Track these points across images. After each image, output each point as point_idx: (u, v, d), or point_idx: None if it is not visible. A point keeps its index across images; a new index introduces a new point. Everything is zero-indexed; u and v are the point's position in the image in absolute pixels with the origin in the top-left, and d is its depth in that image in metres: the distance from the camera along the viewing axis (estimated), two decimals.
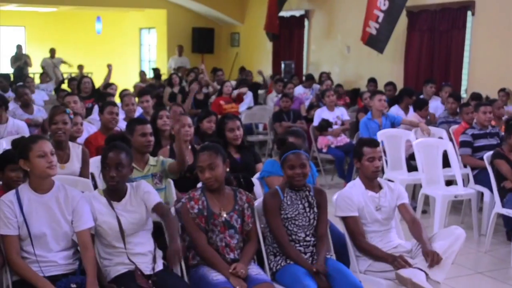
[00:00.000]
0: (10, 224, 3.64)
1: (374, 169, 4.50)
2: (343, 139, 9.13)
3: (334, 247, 4.50)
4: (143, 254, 3.93)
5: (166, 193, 4.92)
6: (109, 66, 11.43)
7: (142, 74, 15.50)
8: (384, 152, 7.62)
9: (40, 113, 8.37)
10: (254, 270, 3.97)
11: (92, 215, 3.86)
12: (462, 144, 7.18)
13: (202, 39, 18.46)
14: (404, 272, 4.08)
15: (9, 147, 5.79)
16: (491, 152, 6.43)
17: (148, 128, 5.00)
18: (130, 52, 21.40)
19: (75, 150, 5.24)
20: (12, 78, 15.08)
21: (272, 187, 4.67)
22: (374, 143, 4.58)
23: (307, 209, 4.23)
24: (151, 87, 11.58)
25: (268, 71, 16.23)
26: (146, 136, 4.91)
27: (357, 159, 4.58)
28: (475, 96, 9.19)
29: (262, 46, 16.81)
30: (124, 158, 3.95)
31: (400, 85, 11.43)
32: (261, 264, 4.19)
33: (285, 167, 4.25)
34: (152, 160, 4.92)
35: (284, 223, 4.18)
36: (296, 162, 4.21)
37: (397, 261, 4.18)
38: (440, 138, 7.79)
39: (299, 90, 12.27)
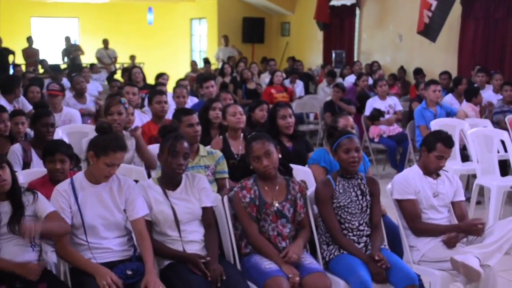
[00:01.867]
0: (63, 214, 3.71)
1: (439, 167, 4.46)
2: (395, 129, 9.04)
3: (387, 238, 4.47)
4: (195, 242, 3.96)
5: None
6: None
7: (193, 64, 15.63)
8: None
9: (92, 103, 8.51)
10: (307, 259, 3.97)
11: (147, 203, 3.91)
12: None
13: (253, 29, 18.48)
14: (458, 257, 4.05)
15: (64, 136, 5.95)
16: None
17: (195, 118, 5.01)
18: (181, 43, 21.57)
19: (129, 139, 5.30)
20: (64, 68, 15.36)
21: (314, 175, 4.66)
22: (450, 143, 4.47)
23: (360, 197, 4.21)
24: (201, 76, 11.63)
25: (319, 60, 16.18)
26: (193, 126, 4.93)
27: (427, 149, 4.48)
28: None
29: (313, 35, 16.74)
30: (188, 148, 4.05)
31: (454, 75, 11.24)
32: (313, 254, 4.19)
33: (340, 152, 4.22)
34: (203, 150, 4.93)
35: (337, 212, 4.16)
36: (351, 146, 4.19)
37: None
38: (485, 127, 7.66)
39: (351, 79, 12.16)
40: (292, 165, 4.66)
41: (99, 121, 4.93)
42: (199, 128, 4.96)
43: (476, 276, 3.97)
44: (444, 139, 4.46)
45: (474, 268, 3.96)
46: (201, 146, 4.97)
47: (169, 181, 4.03)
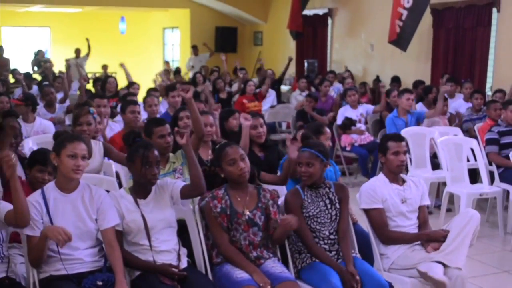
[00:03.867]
0: (35, 226, 3.67)
1: (399, 163, 4.51)
2: (367, 137, 9.10)
3: (358, 245, 4.50)
4: (168, 251, 3.95)
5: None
6: (122, 65, 11.43)
7: (165, 73, 15.57)
8: (408, 150, 7.59)
9: (61, 110, 8.47)
10: (278, 268, 3.97)
11: (119, 213, 3.89)
12: (489, 142, 7.14)
13: (225, 38, 18.51)
14: (422, 267, 4.11)
15: (35, 146, 5.90)
16: None
17: (167, 128, 4.96)
18: (154, 52, 21.53)
19: (96, 146, 5.31)
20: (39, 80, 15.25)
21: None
22: (399, 138, 4.62)
23: (328, 206, 4.24)
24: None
25: (291, 69, 16.22)
26: (164, 137, 4.89)
27: (382, 153, 4.58)
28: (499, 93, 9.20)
29: (285, 45, 16.80)
30: (159, 156, 4.06)
31: (427, 83, 11.34)
32: (285, 263, 4.19)
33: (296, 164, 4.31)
34: (172, 157, 4.95)
35: (306, 221, 4.18)
36: (303, 160, 4.24)
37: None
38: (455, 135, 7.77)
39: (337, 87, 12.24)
40: (263, 173, 4.69)
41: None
42: (170, 138, 4.93)
43: (442, 286, 4.03)
44: (391, 137, 4.63)
45: (438, 280, 4.01)
46: (170, 153, 4.98)
47: (141, 190, 4.02)
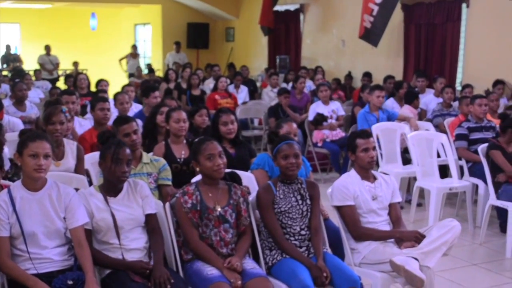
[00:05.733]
0: (1, 226, 3.64)
1: (369, 159, 4.53)
2: (338, 133, 9.13)
3: (329, 241, 4.53)
4: (138, 250, 3.93)
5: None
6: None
7: (138, 70, 15.54)
8: (379, 145, 7.66)
9: (32, 110, 8.37)
10: (249, 264, 3.98)
11: (88, 212, 3.87)
12: (458, 137, 7.21)
13: (197, 34, 18.45)
14: (398, 260, 4.11)
15: None
16: (485, 144, 6.44)
17: (132, 126, 4.91)
18: (125, 48, 21.31)
19: (70, 146, 5.25)
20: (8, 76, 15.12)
21: (257, 180, 4.71)
22: (366, 134, 4.62)
23: (300, 202, 4.25)
24: (146, 83, 11.56)
25: (263, 65, 16.25)
26: (129, 136, 4.83)
27: (351, 151, 4.60)
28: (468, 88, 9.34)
29: (257, 40, 16.81)
30: (131, 155, 4.04)
31: (399, 79, 11.41)
32: (256, 259, 4.20)
33: (279, 158, 4.27)
34: (146, 157, 4.90)
35: (278, 217, 4.19)
36: (290, 152, 4.24)
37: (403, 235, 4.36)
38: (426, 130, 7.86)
39: (308, 85, 12.28)
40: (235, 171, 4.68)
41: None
42: (136, 136, 4.89)
43: (419, 282, 4.03)
44: (359, 134, 4.62)
45: (416, 275, 4.02)
46: (144, 153, 4.95)
47: (111, 188, 4.00)
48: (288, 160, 4.23)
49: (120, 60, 17.75)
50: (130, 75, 16.47)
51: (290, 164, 4.23)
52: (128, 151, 4.00)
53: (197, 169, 4.12)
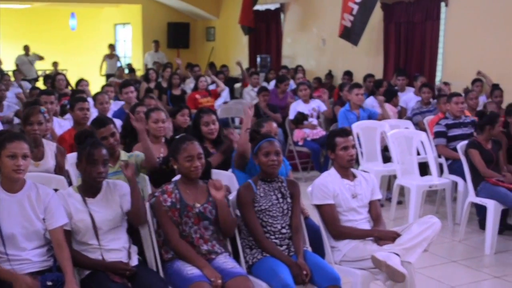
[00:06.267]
0: None
1: (349, 157, 4.54)
2: (319, 132, 9.15)
3: (309, 239, 4.55)
4: (118, 250, 3.92)
5: (143, 189, 4.90)
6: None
7: (120, 70, 15.42)
8: (360, 144, 7.69)
9: (10, 109, 8.32)
10: (230, 263, 3.98)
11: (67, 212, 3.85)
12: (437, 135, 7.26)
13: (178, 34, 18.40)
14: (380, 255, 4.13)
15: None
16: (465, 142, 6.49)
17: (109, 129, 4.85)
18: (105, 49, 21.25)
19: (50, 147, 5.22)
20: None
21: (237, 158, 4.79)
22: (345, 132, 4.62)
23: (281, 200, 4.26)
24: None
25: (244, 65, 16.23)
26: (107, 139, 4.78)
27: (330, 150, 4.61)
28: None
29: (238, 40, 16.79)
30: (107, 154, 4.00)
31: (379, 77, 11.47)
32: (236, 258, 4.20)
33: (260, 155, 4.27)
34: (123, 155, 4.89)
35: (258, 215, 4.20)
36: (271, 149, 4.25)
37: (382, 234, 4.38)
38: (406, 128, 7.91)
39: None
40: (216, 171, 4.69)
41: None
42: (113, 139, 4.83)
43: (401, 277, 4.06)
44: (338, 132, 4.64)
45: (398, 270, 4.05)
46: (122, 152, 4.93)
47: (89, 189, 3.99)
48: (269, 157, 4.24)
49: (101, 65, 17.48)
50: (108, 76, 16.11)
51: (271, 161, 4.24)
52: (104, 151, 3.97)
53: (175, 166, 4.12)
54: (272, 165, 4.25)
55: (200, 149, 4.12)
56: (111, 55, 17.16)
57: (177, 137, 4.29)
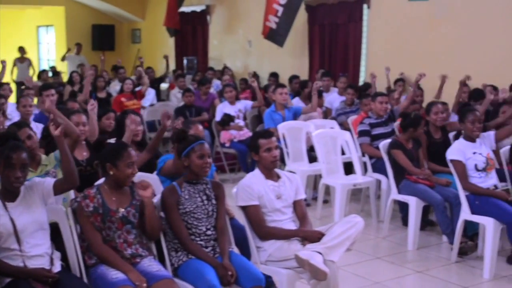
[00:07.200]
0: None
1: (273, 159, 4.57)
2: (246, 133, 9.18)
3: (235, 240, 4.57)
4: (40, 256, 3.84)
5: (67, 193, 4.81)
6: (3, 62, 10.96)
7: (44, 73, 15.05)
8: (286, 144, 7.76)
9: None
10: (154, 266, 3.95)
11: None
12: (361, 134, 7.40)
13: (102, 36, 18.18)
14: (302, 254, 4.18)
15: None
16: (387, 141, 6.62)
17: (24, 132, 4.76)
18: (28, 52, 20.78)
19: None
20: None
21: (169, 168, 4.71)
22: (268, 134, 4.66)
23: (205, 202, 4.26)
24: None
25: (171, 67, 16.14)
26: (23, 142, 4.64)
27: (254, 152, 4.64)
28: (367, 86, 9.61)
29: (164, 42, 16.69)
30: (27, 158, 3.88)
31: (305, 78, 11.57)
32: (162, 261, 4.18)
33: (194, 157, 4.25)
34: (44, 159, 4.80)
35: (183, 217, 4.18)
36: (204, 152, 4.27)
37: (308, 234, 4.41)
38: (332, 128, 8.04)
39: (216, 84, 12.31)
40: (140, 173, 4.64)
41: None
42: (30, 142, 4.72)
43: (323, 275, 4.11)
44: (261, 134, 4.69)
45: (320, 268, 4.10)
46: (44, 156, 4.84)
47: (9, 193, 3.88)
48: (204, 160, 4.25)
49: (12, 69, 16.81)
50: (19, 84, 15.24)
51: (205, 164, 4.25)
52: (24, 155, 3.85)
53: (111, 172, 4.03)
54: (205, 168, 4.26)
55: (135, 157, 4.11)
56: (22, 59, 16.43)
57: (114, 142, 4.22)
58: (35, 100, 8.11)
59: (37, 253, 3.83)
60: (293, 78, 11.06)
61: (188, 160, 4.29)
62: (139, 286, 3.73)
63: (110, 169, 4.03)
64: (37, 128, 6.20)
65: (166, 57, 13.91)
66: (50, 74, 15.22)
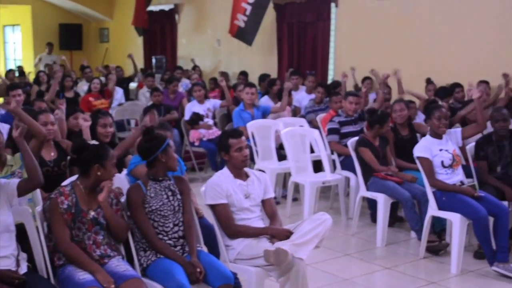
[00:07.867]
0: None
1: (244, 158, 4.58)
2: (215, 132, 9.17)
3: (204, 238, 4.56)
4: (6, 257, 3.79)
5: (33, 194, 4.76)
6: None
7: (10, 73, 14.87)
8: (255, 142, 7.77)
9: None
10: (122, 266, 3.92)
11: None
12: (330, 132, 7.43)
13: (70, 35, 18.04)
14: (269, 248, 4.21)
15: None
16: (355, 139, 6.66)
17: None
18: None
19: None
20: None
21: (141, 175, 4.67)
22: (238, 133, 4.66)
23: (171, 198, 4.25)
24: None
25: (139, 66, 16.06)
26: None
27: (224, 151, 4.63)
28: (336, 84, 9.67)
29: (133, 41, 16.61)
30: None
31: (274, 77, 11.58)
32: (131, 261, 4.15)
33: (171, 152, 4.29)
34: (10, 159, 4.74)
35: (150, 216, 4.17)
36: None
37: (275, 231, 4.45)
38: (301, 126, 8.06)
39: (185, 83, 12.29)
40: None
41: None
42: None
43: (284, 254, 4.11)
44: (230, 134, 4.68)
45: (280, 248, 4.12)
46: (9, 156, 4.78)
47: None
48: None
49: None
50: None
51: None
52: None
53: (98, 173, 3.98)
54: (176, 164, 4.35)
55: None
56: None
57: (99, 144, 4.17)
58: (1, 100, 7.99)
59: (3, 255, 3.79)
60: (264, 76, 11.06)
61: (166, 155, 4.27)
62: (107, 287, 3.70)
63: (98, 170, 3.99)
64: (3, 128, 6.11)
65: (130, 56, 13.82)
66: (16, 74, 15.04)
